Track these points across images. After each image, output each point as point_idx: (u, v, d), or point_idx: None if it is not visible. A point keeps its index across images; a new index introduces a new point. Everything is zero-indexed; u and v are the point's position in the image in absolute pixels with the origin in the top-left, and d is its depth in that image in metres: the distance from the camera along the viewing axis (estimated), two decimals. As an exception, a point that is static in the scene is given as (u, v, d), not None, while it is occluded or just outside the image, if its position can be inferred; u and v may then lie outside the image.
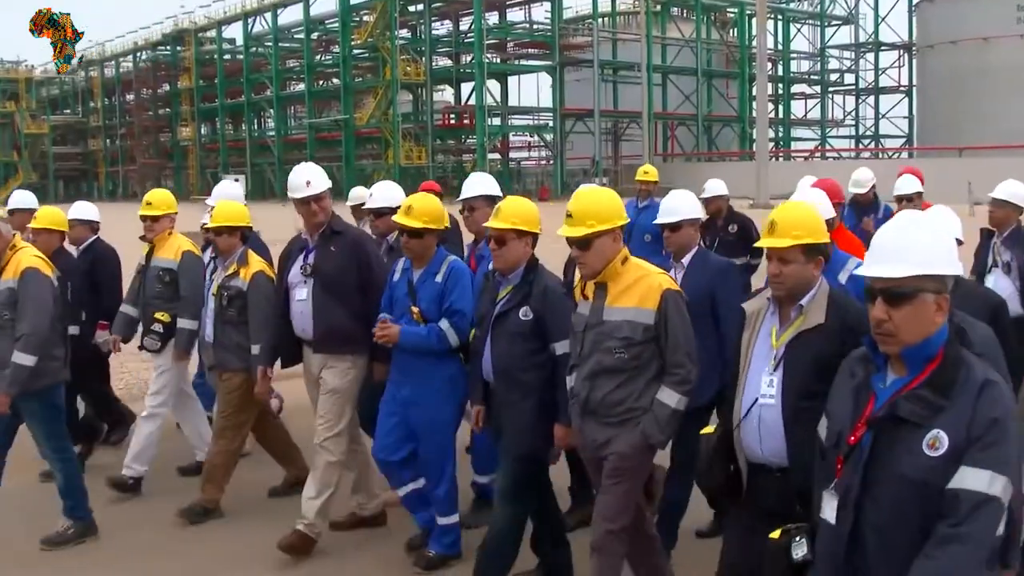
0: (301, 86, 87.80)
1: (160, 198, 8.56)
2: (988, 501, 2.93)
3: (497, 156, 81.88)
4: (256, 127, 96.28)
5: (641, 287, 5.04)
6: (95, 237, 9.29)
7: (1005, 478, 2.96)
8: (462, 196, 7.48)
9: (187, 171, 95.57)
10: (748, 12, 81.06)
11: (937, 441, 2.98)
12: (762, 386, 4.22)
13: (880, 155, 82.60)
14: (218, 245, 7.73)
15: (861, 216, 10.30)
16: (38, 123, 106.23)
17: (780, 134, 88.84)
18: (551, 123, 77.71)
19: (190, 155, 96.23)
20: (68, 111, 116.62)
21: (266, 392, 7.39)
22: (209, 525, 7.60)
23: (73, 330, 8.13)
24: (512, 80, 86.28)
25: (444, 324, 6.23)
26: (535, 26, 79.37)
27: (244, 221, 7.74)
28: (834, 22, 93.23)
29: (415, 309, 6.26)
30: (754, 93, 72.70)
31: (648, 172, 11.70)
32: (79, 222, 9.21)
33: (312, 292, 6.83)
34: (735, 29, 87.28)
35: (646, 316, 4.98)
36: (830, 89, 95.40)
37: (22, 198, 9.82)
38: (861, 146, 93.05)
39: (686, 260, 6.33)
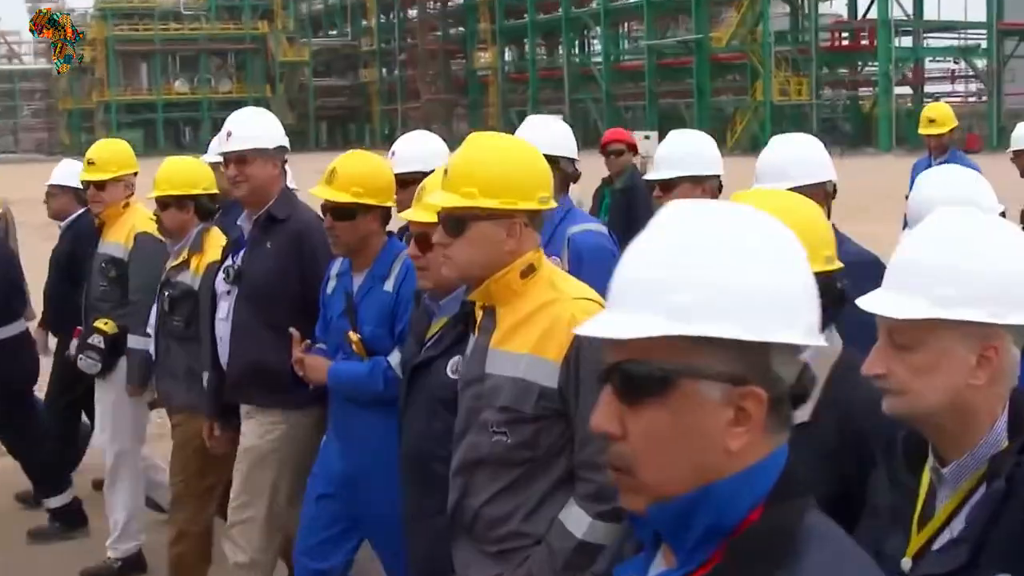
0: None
1: (107, 154, 6.93)
2: None
3: (907, 90, 72.32)
4: (577, 51, 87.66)
5: (542, 321, 3.26)
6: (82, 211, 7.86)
7: None
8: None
9: (486, 109, 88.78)
10: None
11: None
12: None
13: None
14: (163, 223, 6.26)
15: None
16: (296, 48, 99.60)
17: None
18: (984, 44, 69.68)
19: (490, 88, 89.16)
20: (334, 32, 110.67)
21: (224, 447, 5.57)
22: None
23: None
24: (930, -16, 76.13)
25: (395, 358, 4.51)
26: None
27: (199, 187, 6.15)
28: None
29: (353, 336, 4.62)
30: None
31: (935, 119, 9.56)
32: (59, 189, 7.94)
33: (232, 309, 5.30)
34: None
35: (544, 372, 3.24)
36: None
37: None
38: None
39: None
